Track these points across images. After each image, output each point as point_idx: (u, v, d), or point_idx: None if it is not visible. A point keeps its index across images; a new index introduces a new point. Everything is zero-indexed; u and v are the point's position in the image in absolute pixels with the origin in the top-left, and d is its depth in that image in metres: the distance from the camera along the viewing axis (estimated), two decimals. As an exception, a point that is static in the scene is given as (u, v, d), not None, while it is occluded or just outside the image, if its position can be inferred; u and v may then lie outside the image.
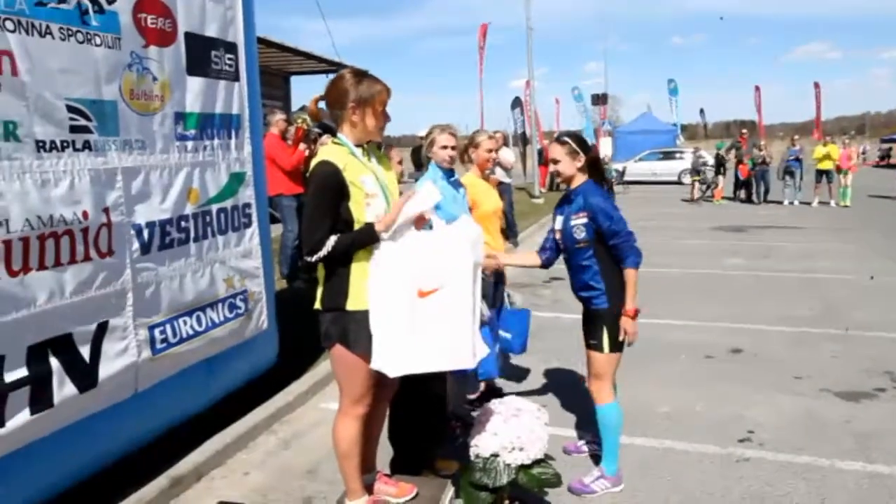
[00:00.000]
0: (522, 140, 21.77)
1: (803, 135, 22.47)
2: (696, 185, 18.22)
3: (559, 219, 3.27)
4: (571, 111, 28.31)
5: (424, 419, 3.18)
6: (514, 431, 2.58)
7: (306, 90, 33.52)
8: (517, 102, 21.82)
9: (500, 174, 10.21)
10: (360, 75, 2.40)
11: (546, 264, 3.40)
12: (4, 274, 2.44)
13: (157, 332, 3.20)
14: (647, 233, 10.40)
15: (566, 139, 3.25)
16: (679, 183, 23.83)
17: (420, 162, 3.26)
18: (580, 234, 3.10)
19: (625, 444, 3.32)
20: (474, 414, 3.04)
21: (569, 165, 3.19)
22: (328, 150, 2.38)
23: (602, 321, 3.10)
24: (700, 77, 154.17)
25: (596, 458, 3.39)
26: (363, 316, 2.32)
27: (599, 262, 3.09)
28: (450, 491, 2.71)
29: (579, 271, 3.17)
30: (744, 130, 22.27)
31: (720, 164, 18.29)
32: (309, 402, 4.36)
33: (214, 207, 3.65)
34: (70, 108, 2.74)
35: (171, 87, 3.32)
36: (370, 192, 2.34)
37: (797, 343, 5.55)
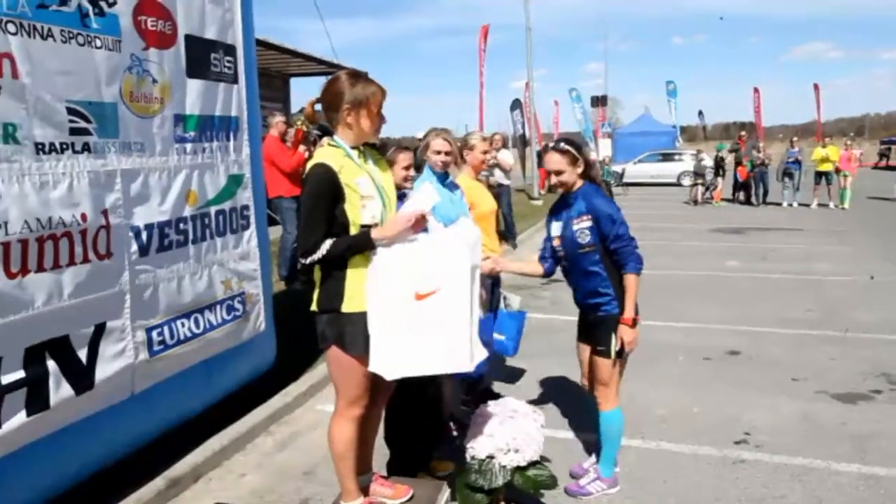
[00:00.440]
0: (522, 142, 21.79)
1: (803, 136, 22.51)
2: (699, 187, 18.22)
3: (556, 224, 3.16)
4: (571, 113, 28.23)
5: (421, 421, 3.18)
6: (510, 433, 2.59)
7: (306, 92, 33.47)
8: (517, 104, 21.84)
9: (499, 176, 10.24)
10: (355, 77, 2.41)
11: (548, 273, 3.30)
12: (3, 276, 2.46)
13: (154, 333, 3.21)
14: (646, 234, 10.41)
15: (566, 147, 3.09)
16: (678, 185, 23.87)
17: (418, 164, 3.25)
18: (585, 239, 2.98)
19: (621, 446, 3.33)
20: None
21: (570, 174, 3.06)
22: (324, 153, 2.40)
23: (612, 326, 3.01)
24: (699, 78, 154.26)
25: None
26: (359, 318, 2.33)
27: (606, 267, 2.99)
28: (446, 492, 2.72)
29: (585, 278, 3.06)
30: (742, 132, 22.28)
31: (719, 166, 18.31)
32: (307, 403, 4.37)
33: (213, 210, 3.67)
34: (70, 111, 2.75)
35: (171, 90, 3.34)
36: (365, 193, 2.35)
37: (795, 345, 5.56)
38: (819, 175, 16.33)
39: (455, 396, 3.81)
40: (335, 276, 2.34)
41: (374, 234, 2.32)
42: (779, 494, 3.19)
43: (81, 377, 2.80)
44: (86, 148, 2.83)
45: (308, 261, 2.30)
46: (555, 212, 3.21)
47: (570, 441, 3.77)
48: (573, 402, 4.14)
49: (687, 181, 21.67)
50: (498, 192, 9.62)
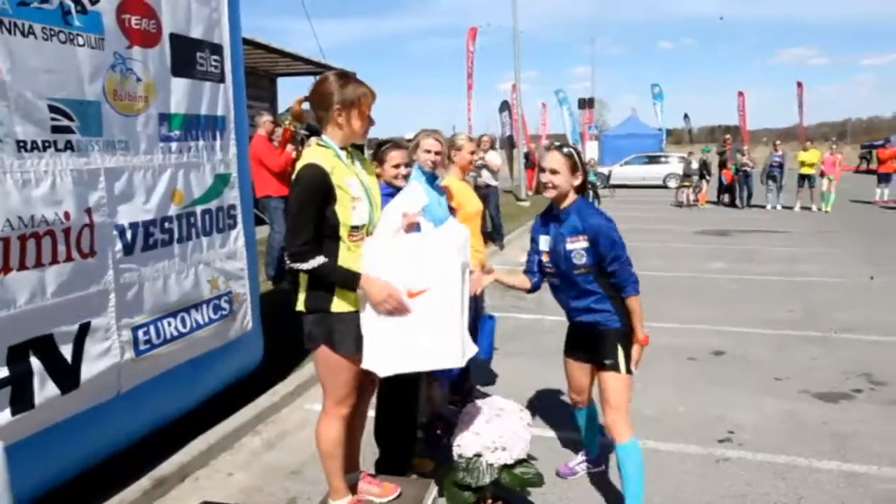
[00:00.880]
0: (509, 143, 21.85)
1: (786, 140, 22.76)
2: (687, 189, 18.36)
3: (545, 239, 2.96)
4: (558, 115, 28.35)
5: (410, 420, 3.19)
6: (497, 431, 2.60)
7: (293, 92, 33.43)
8: (505, 106, 21.91)
9: (487, 177, 10.27)
10: (345, 77, 2.42)
11: (535, 288, 3.12)
12: (-15, 274, 2.43)
13: (140, 332, 3.19)
14: (633, 236, 10.43)
15: (570, 150, 2.90)
16: (664, 187, 24.07)
17: (407, 164, 3.30)
18: (581, 260, 2.80)
19: (608, 445, 3.35)
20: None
21: (566, 180, 2.85)
22: (314, 153, 2.38)
23: (616, 340, 2.85)
24: (686, 82, 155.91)
25: (592, 478, 3.36)
26: (348, 317, 2.34)
27: (602, 285, 2.83)
28: (433, 491, 2.73)
29: (578, 296, 2.89)
30: (727, 135, 22.48)
31: (704, 169, 18.47)
32: (294, 403, 4.35)
33: (199, 209, 3.65)
34: (52, 109, 2.73)
35: (156, 88, 3.32)
36: (355, 195, 2.36)
37: (778, 345, 5.62)
38: (802, 178, 16.53)
39: (443, 396, 3.82)
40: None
41: (363, 282, 2.32)
42: (762, 492, 3.23)
43: (67, 376, 2.77)
44: (69, 146, 2.81)
45: (295, 266, 2.29)
46: (543, 224, 3.02)
47: (555, 440, 3.80)
48: (558, 402, 4.16)
49: (673, 183, 21.83)
50: (486, 193, 9.65)
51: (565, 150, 2.89)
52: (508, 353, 5.27)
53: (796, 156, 17.41)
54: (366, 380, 2.46)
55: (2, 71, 2.49)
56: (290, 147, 7.13)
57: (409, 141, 3.86)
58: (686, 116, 45.24)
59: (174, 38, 3.43)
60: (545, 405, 4.29)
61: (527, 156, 20.03)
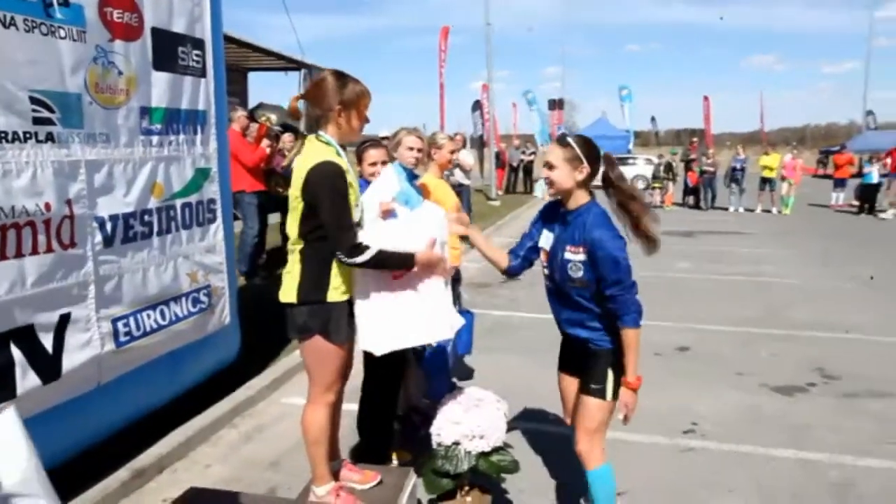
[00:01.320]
0: (480, 143, 22.00)
1: (749, 145, 23.38)
2: (658, 191, 18.75)
3: (546, 236, 2.62)
4: (529, 115, 28.58)
5: (391, 411, 3.27)
6: (475, 420, 2.70)
7: (264, 86, 33.30)
8: (477, 105, 22.04)
9: (459, 176, 10.39)
10: (342, 77, 2.45)
11: (510, 272, 2.78)
12: (-33, 264, 2.43)
13: (120, 325, 3.20)
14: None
15: (569, 141, 2.50)
16: (632, 188, 24.45)
17: (384, 162, 3.37)
18: (576, 273, 2.47)
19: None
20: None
21: (566, 176, 2.46)
22: (323, 151, 2.38)
23: (606, 362, 2.57)
24: (653, 85, 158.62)
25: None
26: (342, 306, 2.43)
27: (598, 304, 2.53)
28: (413, 478, 2.80)
29: (571, 308, 2.60)
30: (694, 139, 23.02)
31: (670, 171, 18.89)
32: (270, 396, 4.37)
33: (179, 202, 3.66)
34: (33, 100, 2.74)
35: (137, 82, 3.33)
36: (359, 194, 2.47)
37: (740, 342, 5.85)
38: (763, 181, 17.05)
39: (418, 388, 3.91)
40: (319, 267, 2.38)
41: (419, 257, 2.40)
42: (725, 479, 3.40)
43: (48, 366, 2.78)
44: (49, 138, 2.82)
45: (355, 262, 2.32)
46: (548, 218, 2.67)
47: (530, 431, 3.91)
48: (533, 395, 4.27)
49: (640, 185, 22.22)
50: (458, 191, 9.75)
51: (564, 139, 2.52)
52: (484, 348, 5.37)
53: (758, 160, 17.94)
54: (348, 366, 2.55)
55: (-16, 61, 2.49)
56: (265, 143, 7.13)
57: (386, 139, 3.93)
58: (653, 119, 46.04)
59: (156, 32, 3.44)
60: (519, 398, 4.39)
61: (497, 155, 20.21)
